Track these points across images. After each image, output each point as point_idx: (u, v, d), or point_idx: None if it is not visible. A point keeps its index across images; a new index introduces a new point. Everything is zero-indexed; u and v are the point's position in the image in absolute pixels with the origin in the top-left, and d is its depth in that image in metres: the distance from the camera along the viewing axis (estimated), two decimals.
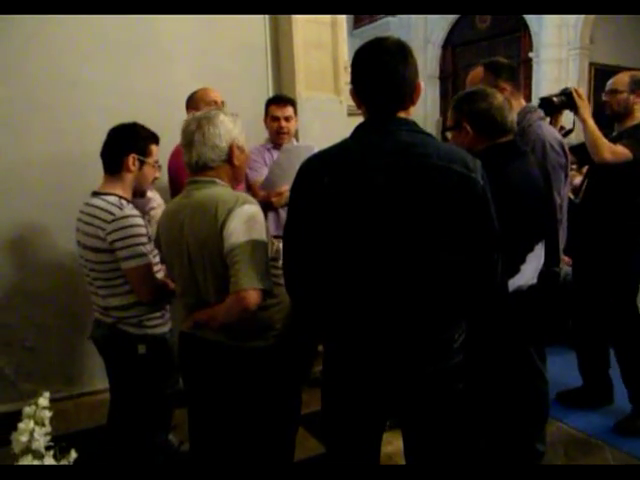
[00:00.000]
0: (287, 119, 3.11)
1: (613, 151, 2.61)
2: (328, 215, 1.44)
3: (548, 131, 2.40)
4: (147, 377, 2.15)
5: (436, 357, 1.50)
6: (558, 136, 2.43)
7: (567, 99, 2.63)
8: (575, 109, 2.63)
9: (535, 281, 2.04)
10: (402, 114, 1.50)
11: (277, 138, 3.13)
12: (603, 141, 2.62)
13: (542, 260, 2.04)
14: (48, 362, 3.15)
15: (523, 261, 1.95)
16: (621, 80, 2.82)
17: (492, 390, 2.06)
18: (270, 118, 3.14)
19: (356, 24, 12.93)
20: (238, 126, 1.86)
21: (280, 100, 3.19)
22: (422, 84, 1.55)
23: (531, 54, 9.42)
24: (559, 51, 8.94)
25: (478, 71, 2.44)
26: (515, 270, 1.93)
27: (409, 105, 1.52)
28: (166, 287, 2.09)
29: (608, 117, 2.89)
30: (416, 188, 1.39)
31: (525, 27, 9.60)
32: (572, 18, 8.73)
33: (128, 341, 2.11)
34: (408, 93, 1.50)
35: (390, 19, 12.16)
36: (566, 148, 2.42)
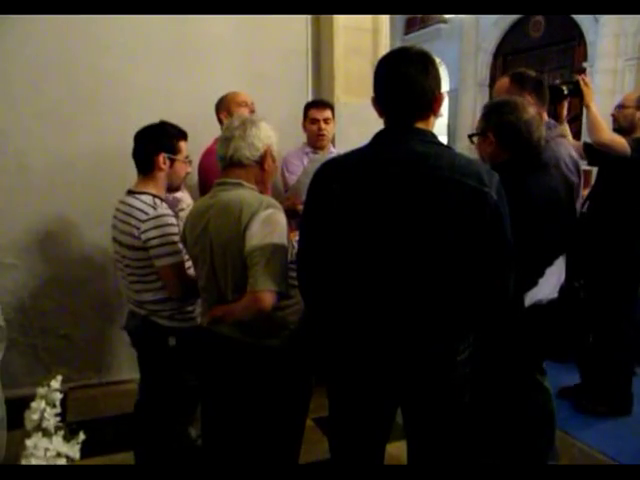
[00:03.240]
0: (326, 121, 3.16)
1: (612, 137, 2.71)
2: (337, 222, 1.46)
3: (565, 149, 2.38)
4: (175, 368, 2.22)
5: (440, 367, 1.50)
6: (574, 155, 2.43)
7: (574, 88, 2.71)
8: (581, 97, 2.70)
9: (556, 295, 2.00)
10: (421, 124, 1.49)
11: (316, 140, 3.17)
12: (604, 126, 2.71)
13: (563, 274, 2.00)
14: (80, 350, 3.28)
15: (541, 275, 1.92)
16: (630, 96, 3.02)
17: (497, 405, 2.03)
18: (309, 121, 3.18)
19: (407, 30, 12.90)
20: (275, 137, 1.94)
21: (319, 103, 3.25)
22: (444, 95, 1.54)
23: (585, 64, 9.17)
24: (615, 61, 8.67)
25: (504, 81, 2.43)
26: (533, 283, 1.90)
27: (429, 115, 1.51)
28: (196, 283, 2.15)
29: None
30: (424, 199, 1.39)
31: (580, 36, 9.36)
32: (631, 27, 8.45)
33: (159, 333, 2.18)
34: (427, 103, 1.49)
35: (442, 25, 12.06)
36: (580, 168, 2.41)
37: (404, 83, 1.47)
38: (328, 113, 3.18)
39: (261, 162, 1.91)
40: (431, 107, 1.50)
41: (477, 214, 1.39)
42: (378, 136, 1.54)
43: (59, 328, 3.24)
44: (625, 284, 2.95)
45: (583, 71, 8.99)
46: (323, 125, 3.14)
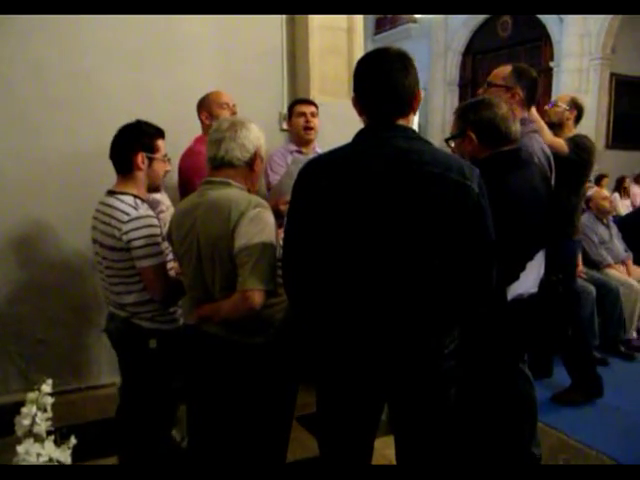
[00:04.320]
0: (312, 114, 3.19)
1: (552, 139, 2.93)
2: (324, 218, 1.48)
3: (538, 144, 2.46)
4: (157, 370, 2.20)
5: (427, 361, 1.52)
6: (547, 150, 2.51)
7: None
8: None
9: (536, 289, 2.05)
10: (402, 121, 1.53)
11: (304, 134, 3.18)
12: (545, 128, 2.95)
13: (542, 269, 2.06)
14: (58, 354, 3.21)
15: (523, 269, 1.96)
16: (563, 97, 3.44)
17: (481, 394, 2.07)
18: (296, 115, 3.20)
19: (377, 30, 13.00)
20: (263, 138, 1.97)
21: (305, 100, 3.32)
22: (422, 93, 1.59)
23: (552, 63, 9.38)
24: (580, 61, 8.90)
25: (505, 69, 2.50)
26: (514, 277, 1.94)
27: (409, 113, 1.55)
28: (178, 285, 2.14)
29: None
30: (410, 194, 1.42)
31: (546, 36, 9.56)
32: (594, 28, 8.68)
33: (140, 335, 2.16)
34: (408, 101, 1.53)
35: (411, 25, 12.19)
36: (552, 162, 2.50)
37: (385, 82, 1.50)
38: (314, 109, 3.22)
39: (251, 163, 1.94)
40: (411, 105, 1.54)
41: (460, 207, 1.43)
42: (361, 134, 1.57)
43: (35, 333, 3.17)
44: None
45: (550, 70, 9.22)
46: (310, 118, 3.17)
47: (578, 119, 3.36)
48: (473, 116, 2.03)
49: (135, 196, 2.14)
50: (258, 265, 1.76)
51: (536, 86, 2.53)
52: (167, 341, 2.19)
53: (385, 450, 2.35)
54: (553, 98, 3.37)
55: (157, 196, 2.55)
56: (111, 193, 2.17)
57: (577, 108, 3.32)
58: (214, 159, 1.91)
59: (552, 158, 2.50)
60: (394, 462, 1.71)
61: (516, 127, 2.04)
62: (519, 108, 2.42)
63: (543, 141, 2.59)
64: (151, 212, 2.15)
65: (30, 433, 1.23)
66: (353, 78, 1.59)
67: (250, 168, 1.94)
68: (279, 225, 1.89)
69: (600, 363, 3.88)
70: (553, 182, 2.45)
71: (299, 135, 3.21)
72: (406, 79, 1.51)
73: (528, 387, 2.22)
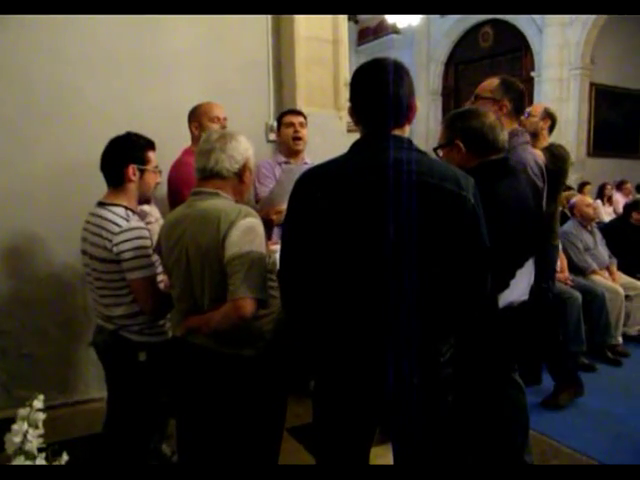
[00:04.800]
0: (301, 125, 3.20)
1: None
2: (320, 228, 1.48)
3: (531, 155, 2.49)
4: (145, 384, 2.17)
5: (423, 369, 1.52)
6: (540, 161, 2.54)
7: None
8: None
9: (526, 297, 2.06)
10: (397, 132, 1.54)
11: (293, 145, 3.19)
12: None
13: (532, 276, 2.07)
14: (44, 369, 3.16)
15: (512, 276, 1.98)
16: (537, 108, 3.47)
17: (475, 402, 2.08)
18: (285, 125, 3.21)
19: (360, 41, 13.09)
20: (252, 149, 1.98)
21: (294, 110, 3.33)
22: (418, 104, 1.60)
23: (533, 73, 9.51)
24: (560, 71, 9.03)
25: (493, 81, 2.52)
26: (504, 285, 1.95)
27: (405, 123, 1.56)
28: (168, 298, 2.12)
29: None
30: (406, 204, 1.42)
31: (527, 46, 9.70)
32: (573, 38, 8.83)
33: (129, 348, 2.14)
34: (404, 111, 1.54)
35: (394, 36, 12.30)
36: (545, 173, 2.52)
37: (382, 93, 1.51)
38: (302, 119, 3.23)
39: (240, 174, 1.94)
40: (407, 115, 1.55)
41: (456, 217, 1.44)
42: (356, 145, 1.57)
43: (20, 348, 3.13)
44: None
45: (531, 80, 9.34)
46: (299, 128, 3.17)
47: (552, 128, 3.43)
48: (461, 125, 2.05)
49: (126, 207, 2.13)
50: (249, 274, 1.76)
51: (523, 98, 2.57)
52: (155, 354, 2.16)
53: (378, 460, 2.35)
54: (528, 109, 3.40)
55: (146, 208, 2.53)
56: (102, 204, 2.15)
57: (550, 118, 3.39)
58: (203, 170, 1.91)
59: (544, 169, 2.53)
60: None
61: (504, 136, 2.06)
62: (507, 120, 2.43)
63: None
64: (142, 224, 2.14)
65: (21, 450, 1.20)
66: (349, 88, 1.59)
67: (239, 179, 1.94)
68: (268, 237, 1.88)
69: (588, 369, 3.94)
70: (545, 193, 2.48)
71: (288, 145, 3.21)
72: (402, 89, 1.52)
73: (520, 395, 2.22)
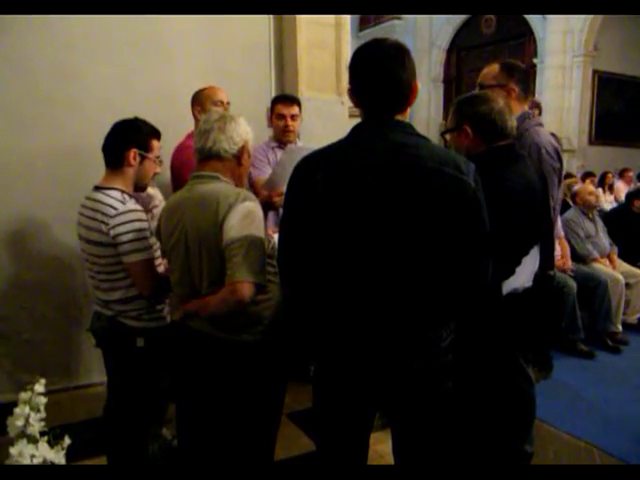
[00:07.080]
0: (293, 117, 3.14)
1: None
2: (320, 212, 1.47)
3: (544, 137, 2.43)
4: (144, 370, 2.17)
5: (424, 354, 1.51)
6: (554, 142, 2.48)
7: None
8: None
9: (531, 284, 2.05)
10: (398, 115, 1.51)
11: (283, 136, 3.15)
12: None
13: (537, 263, 2.06)
14: (45, 354, 3.17)
15: (519, 263, 1.96)
16: None
17: (479, 391, 2.07)
18: (276, 116, 3.16)
19: (361, 26, 12.96)
20: (251, 134, 1.96)
21: (287, 99, 3.22)
22: (419, 85, 1.55)
23: (535, 60, 9.43)
24: (563, 58, 8.95)
25: (493, 67, 2.47)
26: (510, 272, 1.94)
27: (406, 106, 1.53)
28: (166, 281, 2.11)
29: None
30: (406, 188, 1.41)
31: (530, 33, 9.62)
32: (577, 25, 8.75)
33: (127, 334, 2.12)
34: (405, 94, 1.51)
35: (396, 22, 12.18)
36: (561, 154, 2.46)
37: (383, 75, 1.48)
38: (295, 109, 3.16)
39: (239, 156, 1.92)
40: (408, 99, 1.52)
41: (456, 201, 1.43)
42: (357, 128, 1.55)
43: (21, 333, 3.13)
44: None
45: (533, 66, 9.27)
46: (290, 122, 3.12)
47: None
48: (469, 110, 2.02)
49: (122, 191, 2.11)
50: (248, 257, 1.74)
51: (529, 77, 2.53)
52: (154, 339, 2.16)
53: (377, 446, 2.36)
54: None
55: (151, 191, 2.52)
56: (97, 188, 2.13)
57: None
58: (202, 150, 1.90)
59: (560, 150, 2.47)
60: (386, 457, 1.72)
61: (512, 122, 2.02)
62: (517, 103, 2.39)
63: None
64: (139, 207, 2.11)
65: (23, 434, 1.20)
66: (349, 70, 1.55)
67: (238, 162, 1.92)
68: (274, 217, 1.85)
69: (587, 356, 3.97)
70: (564, 174, 2.42)
71: (278, 135, 3.19)
72: (404, 72, 1.48)
73: (527, 386, 2.19)
